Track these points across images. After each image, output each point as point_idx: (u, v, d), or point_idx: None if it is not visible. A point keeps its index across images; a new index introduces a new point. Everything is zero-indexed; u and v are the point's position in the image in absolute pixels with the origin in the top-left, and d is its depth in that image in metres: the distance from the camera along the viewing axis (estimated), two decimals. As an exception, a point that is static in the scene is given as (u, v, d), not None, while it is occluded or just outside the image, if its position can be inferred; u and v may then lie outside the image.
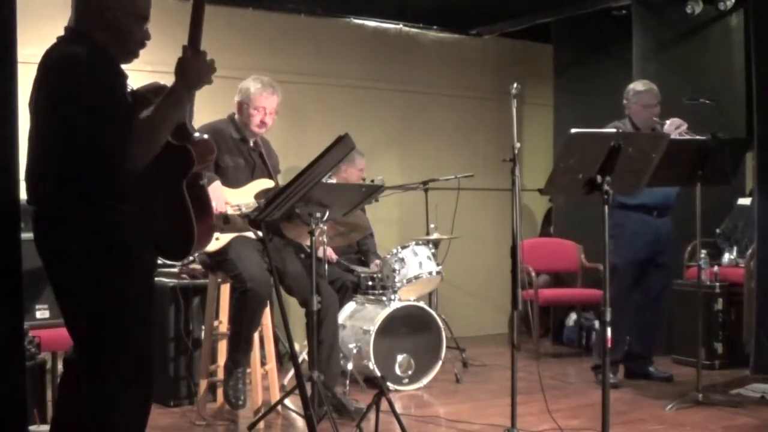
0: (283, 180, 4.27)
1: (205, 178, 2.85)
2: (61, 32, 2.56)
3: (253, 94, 4.34)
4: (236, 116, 4.45)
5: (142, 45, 2.59)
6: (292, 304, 4.88)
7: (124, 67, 2.58)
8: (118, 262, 2.43)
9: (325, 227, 4.22)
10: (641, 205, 5.05)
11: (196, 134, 2.66)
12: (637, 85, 5.18)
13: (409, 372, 5.16)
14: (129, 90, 2.57)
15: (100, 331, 2.43)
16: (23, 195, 2.76)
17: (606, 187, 3.50)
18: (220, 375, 4.35)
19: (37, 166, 2.48)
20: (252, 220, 3.47)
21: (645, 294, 5.24)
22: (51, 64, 2.43)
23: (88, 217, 2.41)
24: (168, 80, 2.72)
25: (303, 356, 5.09)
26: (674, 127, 4.82)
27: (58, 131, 2.40)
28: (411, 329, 5.20)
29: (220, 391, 4.43)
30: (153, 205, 2.53)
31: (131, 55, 2.59)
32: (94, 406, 2.44)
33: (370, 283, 5.52)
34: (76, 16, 2.54)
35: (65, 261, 2.45)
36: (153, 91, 2.62)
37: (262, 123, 4.37)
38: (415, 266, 5.30)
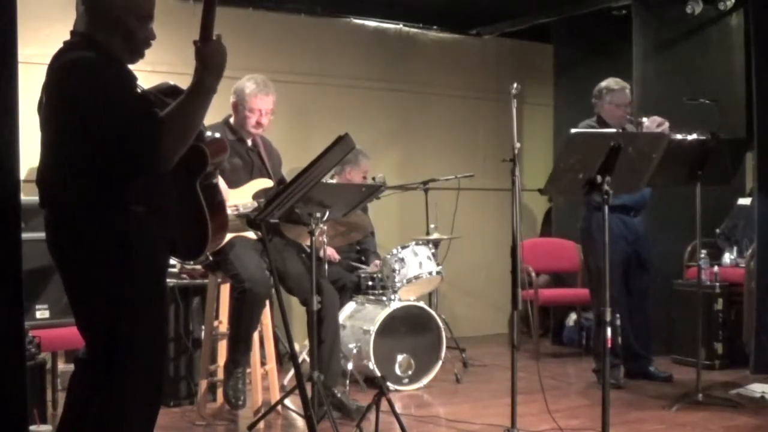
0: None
1: (218, 176, 2.86)
2: (61, 33, 2.56)
3: (248, 95, 4.34)
4: (231, 118, 4.45)
5: (147, 45, 2.58)
6: (293, 303, 4.89)
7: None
8: (132, 264, 2.43)
9: (325, 227, 4.22)
10: (621, 205, 5.03)
11: (208, 133, 2.66)
12: (610, 84, 5.11)
13: (409, 372, 5.16)
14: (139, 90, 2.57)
15: (114, 331, 2.43)
16: (23, 195, 2.77)
17: (606, 187, 3.50)
18: (220, 375, 4.34)
19: (50, 170, 2.47)
20: (251, 220, 3.47)
21: (631, 294, 5.24)
22: (61, 68, 2.42)
23: (102, 219, 2.41)
24: (167, 80, 2.73)
25: (303, 356, 5.09)
26: (655, 125, 4.77)
27: (70, 136, 2.40)
28: (411, 329, 5.20)
29: (220, 391, 4.43)
30: (167, 205, 2.54)
31: (137, 55, 2.57)
32: (106, 405, 2.45)
33: (370, 283, 5.53)
34: (80, 20, 2.53)
35: (79, 263, 2.45)
36: (164, 91, 2.62)
37: (258, 124, 4.38)
38: (415, 266, 5.30)
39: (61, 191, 2.45)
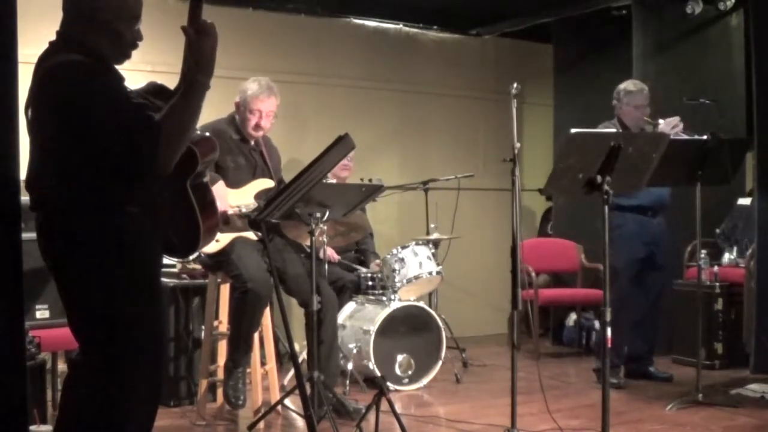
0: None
1: (208, 176, 2.86)
2: (60, 33, 2.55)
3: (249, 96, 4.32)
4: (236, 116, 4.45)
5: (134, 46, 2.54)
6: (292, 304, 4.89)
7: (122, 67, 2.56)
8: (126, 264, 2.42)
9: (325, 227, 4.22)
10: (637, 206, 5.05)
11: (197, 132, 2.65)
12: (628, 86, 5.13)
13: (409, 372, 5.16)
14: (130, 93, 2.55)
15: (111, 332, 2.42)
16: (23, 195, 2.77)
17: (606, 187, 3.50)
18: (220, 375, 4.34)
19: (42, 173, 2.45)
20: (252, 220, 3.47)
21: (645, 295, 5.25)
22: (51, 72, 2.39)
23: (97, 221, 2.40)
24: (167, 80, 2.72)
25: (303, 356, 5.09)
26: (670, 127, 4.78)
27: (64, 139, 2.37)
28: (411, 329, 5.20)
29: (220, 391, 4.43)
30: (160, 205, 2.53)
31: (123, 56, 2.54)
32: (102, 407, 2.43)
33: (370, 283, 5.53)
34: (67, 20, 2.50)
35: (74, 265, 2.43)
36: (152, 91, 2.61)
37: (258, 126, 4.35)
38: (415, 266, 5.30)
39: (54, 194, 2.43)
